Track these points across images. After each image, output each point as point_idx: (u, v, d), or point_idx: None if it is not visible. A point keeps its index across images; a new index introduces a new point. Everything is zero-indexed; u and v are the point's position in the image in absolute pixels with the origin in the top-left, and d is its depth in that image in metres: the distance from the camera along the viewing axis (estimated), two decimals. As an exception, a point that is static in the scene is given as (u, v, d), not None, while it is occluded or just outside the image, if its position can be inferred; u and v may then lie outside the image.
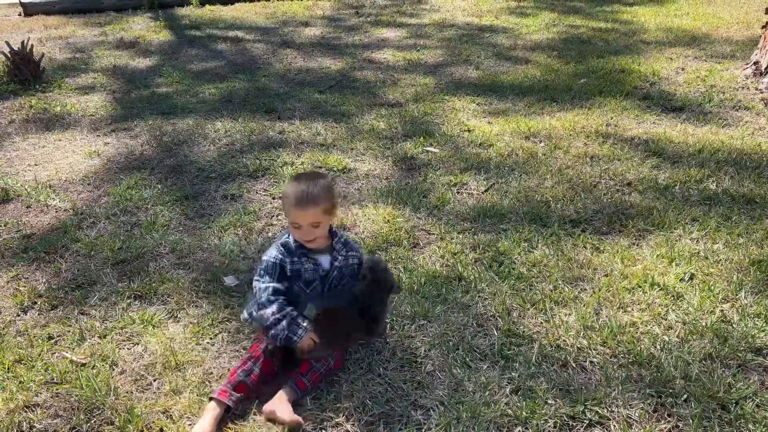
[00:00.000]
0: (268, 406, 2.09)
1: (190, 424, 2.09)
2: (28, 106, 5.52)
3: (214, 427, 2.05)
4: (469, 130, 4.65)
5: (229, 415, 2.12)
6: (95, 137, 4.84)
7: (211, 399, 2.13)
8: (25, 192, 3.89)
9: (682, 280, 2.76)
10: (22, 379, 2.32)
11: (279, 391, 2.15)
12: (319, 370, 2.24)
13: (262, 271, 2.32)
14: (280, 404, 2.09)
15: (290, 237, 2.36)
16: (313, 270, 2.34)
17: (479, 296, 2.71)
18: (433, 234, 3.24)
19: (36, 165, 4.35)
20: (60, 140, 4.80)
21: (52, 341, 2.55)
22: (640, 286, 2.73)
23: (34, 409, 2.20)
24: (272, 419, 2.06)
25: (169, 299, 2.78)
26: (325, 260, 2.37)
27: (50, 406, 2.21)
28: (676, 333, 2.44)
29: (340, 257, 2.37)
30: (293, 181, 2.32)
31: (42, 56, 6.34)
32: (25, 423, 2.13)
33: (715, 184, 3.63)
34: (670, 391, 2.14)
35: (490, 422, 2.04)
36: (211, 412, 2.09)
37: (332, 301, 2.34)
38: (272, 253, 2.34)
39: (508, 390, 2.17)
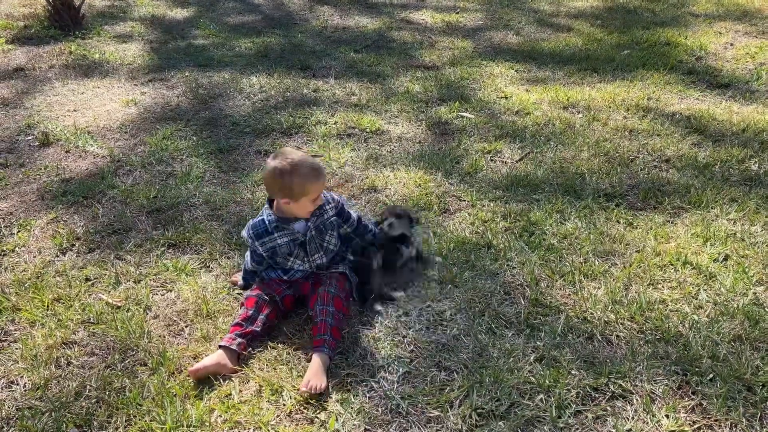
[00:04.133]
0: (305, 383, 2.06)
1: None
2: (68, 52, 5.58)
3: (215, 363, 2.12)
4: (506, 97, 4.57)
5: (238, 358, 2.19)
6: (132, 86, 4.89)
7: (219, 347, 2.20)
8: (65, 137, 3.96)
9: (715, 260, 2.72)
10: (61, 317, 2.41)
11: (311, 364, 2.13)
12: (327, 321, 2.24)
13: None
14: (315, 376, 2.08)
15: (263, 215, 2.40)
16: (287, 243, 2.39)
17: (508, 265, 2.70)
18: (464, 200, 3.23)
19: (75, 111, 4.42)
20: (98, 87, 4.86)
21: (89, 283, 2.63)
22: (672, 264, 2.69)
23: (71, 346, 2.29)
24: (315, 393, 2.05)
25: (202, 249, 2.84)
26: (299, 225, 2.40)
27: (87, 344, 2.30)
28: (706, 313, 2.41)
29: (313, 217, 2.39)
30: (295, 160, 2.24)
31: (82, 2, 6.36)
32: (63, 359, 2.22)
33: (757, 165, 3.53)
34: (696, 369, 2.13)
35: (513, 388, 2.06)
36: (216, 354, 2.17)
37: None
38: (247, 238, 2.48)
39: (532, 358, 2.19)
